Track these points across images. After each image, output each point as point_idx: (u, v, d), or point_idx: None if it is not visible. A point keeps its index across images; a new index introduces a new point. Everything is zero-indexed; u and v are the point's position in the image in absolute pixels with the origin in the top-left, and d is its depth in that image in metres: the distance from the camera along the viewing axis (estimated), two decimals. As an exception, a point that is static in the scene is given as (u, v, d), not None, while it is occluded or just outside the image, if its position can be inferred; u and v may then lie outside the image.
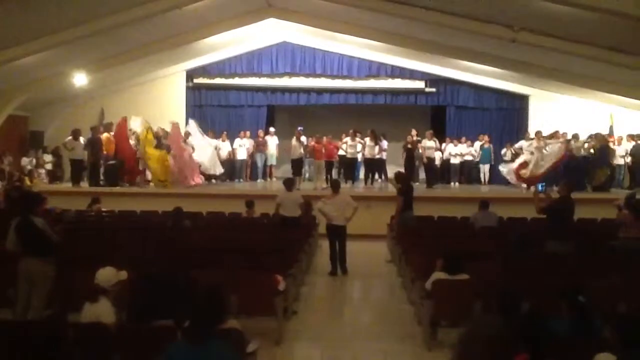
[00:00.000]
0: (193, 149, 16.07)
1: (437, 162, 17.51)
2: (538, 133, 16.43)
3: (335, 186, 10.80)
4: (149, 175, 15.76)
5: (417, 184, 16.73)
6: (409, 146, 16.38)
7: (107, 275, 4.73)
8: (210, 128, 18.28)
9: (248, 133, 18.23)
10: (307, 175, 17.84)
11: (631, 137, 16.50)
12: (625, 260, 7.48)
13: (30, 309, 6.08)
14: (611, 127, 17.00)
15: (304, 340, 6.78)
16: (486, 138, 18.08)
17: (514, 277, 6.41)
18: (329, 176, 16.54)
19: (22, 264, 6.20)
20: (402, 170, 16.11)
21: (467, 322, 4.75)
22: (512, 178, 16.39)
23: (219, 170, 16.79)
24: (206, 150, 16.45)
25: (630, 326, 3.59)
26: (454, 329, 6.09)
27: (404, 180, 11.43)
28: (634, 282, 6.25)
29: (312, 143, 16.39)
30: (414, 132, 16.86)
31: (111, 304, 4.61)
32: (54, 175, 16.90)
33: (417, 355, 6.23)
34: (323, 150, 16.32)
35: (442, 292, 6.15)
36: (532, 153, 16.03)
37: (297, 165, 16.21)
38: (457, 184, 17.74)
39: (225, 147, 17.67)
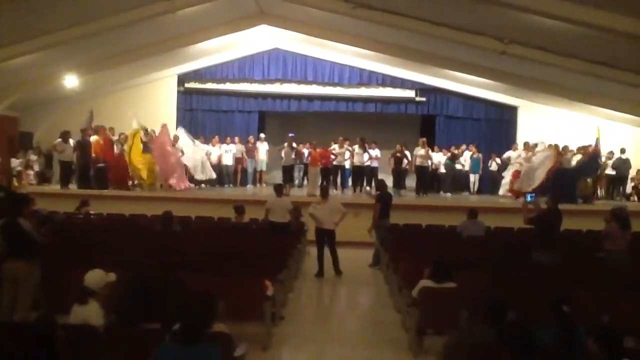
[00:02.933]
0: (182, 152, 16.04)
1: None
2: (526, 144, 16.59)
3: (324, 192, 11.10)
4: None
5: (405, 191, 16.95)
6: (398, 155, 16.51)
7: (95, 277, 4.74)
8: (201, 133, 18.34)
9: (236, 139, 18.22)
10: (296, 181, 17.89)
11: (582, 149, 16.63)
12: (611, 272, 7.57)
13: (14, 310, 6.06)
14: (597, 140, 17.16)
15: (291, 345, 6.81)
16: (473, 148, 18.19)
17: (500, 286, 6.46)
18: (323, 182, 16.61)
19: (6, 265, 6.16)
20: (392, 178, 16.41)
21: (453, 330, 4.79)
22: (504, 190, 16.59)
23: (210, 174, 16.78)
24: (195, 155, 16.44)
25: (612, 337, 3.68)
26: (440, 336, 6.13)
27: (382, 188, 11.72)
28: (619, 294, 6.33)
29: (308, 150, 16.43)
30: (398, 146, 16.97)
31: (99, 306, 4.62)
32: (43, 177, 16.79)
33: (403, 362, 6.27)
34: (319, 157, 16.37)
35: (429, 300, 6.19)
36: (520, 164, 16.20)
37: (288, 171, 16.23)
38: (446, 192, 17.84)
39: (215, 152, 17.67)
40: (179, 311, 4.04)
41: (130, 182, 15.70)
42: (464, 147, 18.42)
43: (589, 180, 16.19)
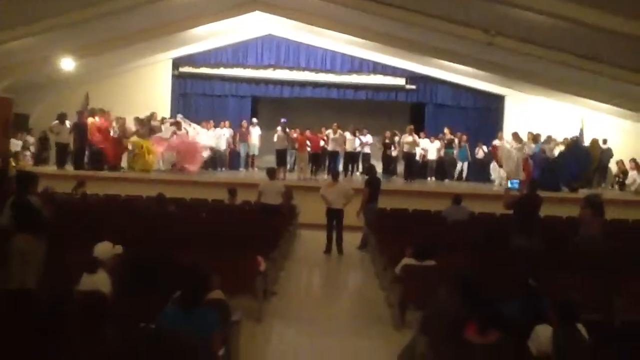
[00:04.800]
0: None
1: (417, 157, 17.94)
2: (515, 134, 17.02)
3: (335, 175, 12.12)
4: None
5: (395, 177, 17.40)
6: (387, 141, 16.98)
7: (104, 248, 5.18)
8: (194, 117, 18.61)
9: (227, 123, 18.53)
10: (288, 166, 18.28)
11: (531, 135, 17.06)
12: (583, 255, 8.03)
13: (23, 283, 6.43)
14: (581, 130, 17.65)
15: (282, 319, 7.24)
16: (464, 136, 18.62)
17: (478, 266, 6.90)
18: (313, 167, 17.02)
19: (15, 239, 6.53)
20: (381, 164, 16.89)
21: (430, 302, 5.23)
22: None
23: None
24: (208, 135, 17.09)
25: (565, 304, 4.15)
26: (420, 311, 6.56)
27: (371, 173, 12.25)
28: (588, 275, 6.79)
29: (296, 135, 16.81)
30: (388, 133, 17.41)
31: (107, 275, 5.03)
32: (39, 158, 17.08)
33: (386, 334, 6.71)
34: (307, 143, 16.74)
35: (411, 277, 6.64)
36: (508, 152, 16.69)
37: (281, 155, 16.65)
38: (433, 179, 18.27)
39: (210, 135, 18.01)
40: (176, 281, 4.48)
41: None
42: (447, 132, 18.80)
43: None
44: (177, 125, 16.45)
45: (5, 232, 6.55)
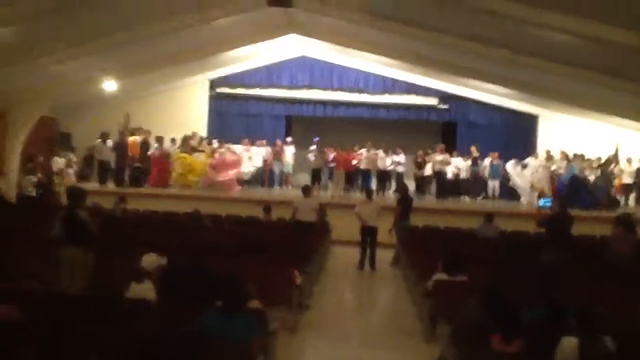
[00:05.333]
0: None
1: (450, 175, 18.04)
2: (547, 152, 17.06)
3: (369, 193, 12.34)
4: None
5: (427, 195, 17.52)
6: (419, 160, 17.18)
7: (150, 260, 5.54)
8: (230, 136, 19.07)
9: (264, 142, 18.95)
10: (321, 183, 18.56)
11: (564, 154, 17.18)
12: (615, 271, 8.10)
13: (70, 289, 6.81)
14: (617, 151, 17.53)
15: (316, 331, 7.48)
16: (495, 155, 18.65)
17: (506, 279, 7.06)
18: (346, 185, 17.27)
19: (65, 251, 6.92)
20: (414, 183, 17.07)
21: (459, 315, 5.42)
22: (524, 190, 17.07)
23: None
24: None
25: (586, 313, 4.32)
26: (450, 325, 6.74)
27: (403, 191, 12.49)
28: (615, 288, 6.88)
29: (334, 155, 17.14)
30: (420, 152, 17.67)
31: (152, 285, 5.36)
32: (82, 175, 17.70)
33: (417, 347, 6.89)
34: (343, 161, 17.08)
35: (442, 291, 6.83)
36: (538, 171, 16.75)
37: (316, 173, 16.96)
38: (466, 197, 18.33)
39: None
40: (217, 288, 4.78)
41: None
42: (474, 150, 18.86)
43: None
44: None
45: (56, 243, 6.97)
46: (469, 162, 18.39)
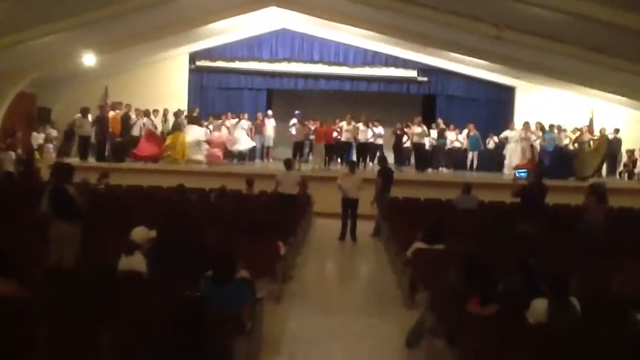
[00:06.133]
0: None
1: (428, 147, 18.27)
2: (526, 124, 17.35)
3: (351, 166, 12.56)
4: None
5: (407, 167, 17.77)
6: (398, 132, 17.40)
7: (140, 233, 5.71)
8: (211, 109, 19.12)
9: (246, 115, 18.96)
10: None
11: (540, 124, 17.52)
12: (585, 240, 8.43)
13: (60, 263, 6.96)
14: (591, 120, 17.95)
15: (299, 299, 7.72)
16: (471, 127, 18.93)
17: (484, 248, 7.35)
18: (326, 158, 17.41)
19: (53, 226, 7.05)
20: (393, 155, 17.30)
21: (437, 282, 5.70)
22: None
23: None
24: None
25: (557, 279, 4.60)
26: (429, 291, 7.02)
27: (384, 164, 12.74)
28: (587, 257, 7.20)
29: (314, 127, 17.25)
30: (399, 124, 17.86)
31: (143, 257, 5.53)
32: (62, 150, 17.65)
33: (397, 313, 7.17)
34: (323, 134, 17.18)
35: (421, 260, 7.11)
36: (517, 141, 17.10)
37: (298, 147, 17.13)
38: (444, 169, 18.62)
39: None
40: (207, 260, 5.00)
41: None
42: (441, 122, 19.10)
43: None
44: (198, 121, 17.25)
45: (45, 218, 7.09)
46: (449, 134, 18.64)
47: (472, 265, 5.07)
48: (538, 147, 16.88)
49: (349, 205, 11.80)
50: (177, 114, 17.29)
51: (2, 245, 5.11)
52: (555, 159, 16.66)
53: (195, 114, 17.61)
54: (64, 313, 4.30)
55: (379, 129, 18.11)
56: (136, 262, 5.41)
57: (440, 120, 18.88)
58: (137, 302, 4.39)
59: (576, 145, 17.35)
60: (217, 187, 12.20)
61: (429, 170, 17.61)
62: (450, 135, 18.84)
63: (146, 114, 17.09)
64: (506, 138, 17.95)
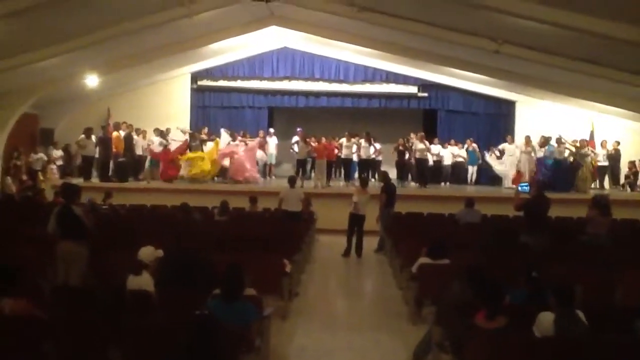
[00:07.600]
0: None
1: (431, 163, 18.33)
2: (527, 138, 17.43)
3: (363, 183, 12.61)
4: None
5: (411, 183, 17.81)
6: (400, 148, 17.47)
7: (147, 252, 5.74)
8: (213, 128, 19.19)
9: (247, 135, 19.05)
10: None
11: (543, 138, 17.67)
12: (589, 252, 8.46)
13: (67, 282, 6.99)
14: (592, 133, 18.04)
15: (305, 316, 7.75)
16: (469, 141, 19.03)
17: (489, 262, 7.37)
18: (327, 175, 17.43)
19: (60, 246, 7.10)
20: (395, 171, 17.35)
21: (444, 295, 5.72)
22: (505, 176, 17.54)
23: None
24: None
25: (563, 290, 4.63)
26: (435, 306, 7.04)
27: (386, 179, 12.72)
28: (591, 269, 7.23)
29: (315, 144, 17.33)
30: (401, 140, 17.91)
31: (150, 276, 5.57)
32: (65, 171, 17.74)
33: (403, 329, 7.20)
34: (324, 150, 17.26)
35: (426, 275, 7.13)
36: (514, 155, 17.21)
37: (301, 164, 17.20)
38: (447, 184, 18.67)
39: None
40: (216, 278, 5.03)
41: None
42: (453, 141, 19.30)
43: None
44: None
45: (52, 238, 7.15)
46: (450, 149, 18.75)
47: (477, 277, 5.10)
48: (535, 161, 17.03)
49: (357, 222, 11.83)
50: (194, 136, 17.53)
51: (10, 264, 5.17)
52: (556, 172, 16.72)
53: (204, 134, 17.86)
54: (72, 332, 4.33)
55: (378, 146, 18.18)
56: (144, 281, 5.45)
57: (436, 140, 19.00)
58: (145, 322, 4.42)
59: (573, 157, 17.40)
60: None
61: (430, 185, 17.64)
62: (453, 149, 18.95)
63: (158, 134, 17.25)
64: (503, 151, 18.00)
